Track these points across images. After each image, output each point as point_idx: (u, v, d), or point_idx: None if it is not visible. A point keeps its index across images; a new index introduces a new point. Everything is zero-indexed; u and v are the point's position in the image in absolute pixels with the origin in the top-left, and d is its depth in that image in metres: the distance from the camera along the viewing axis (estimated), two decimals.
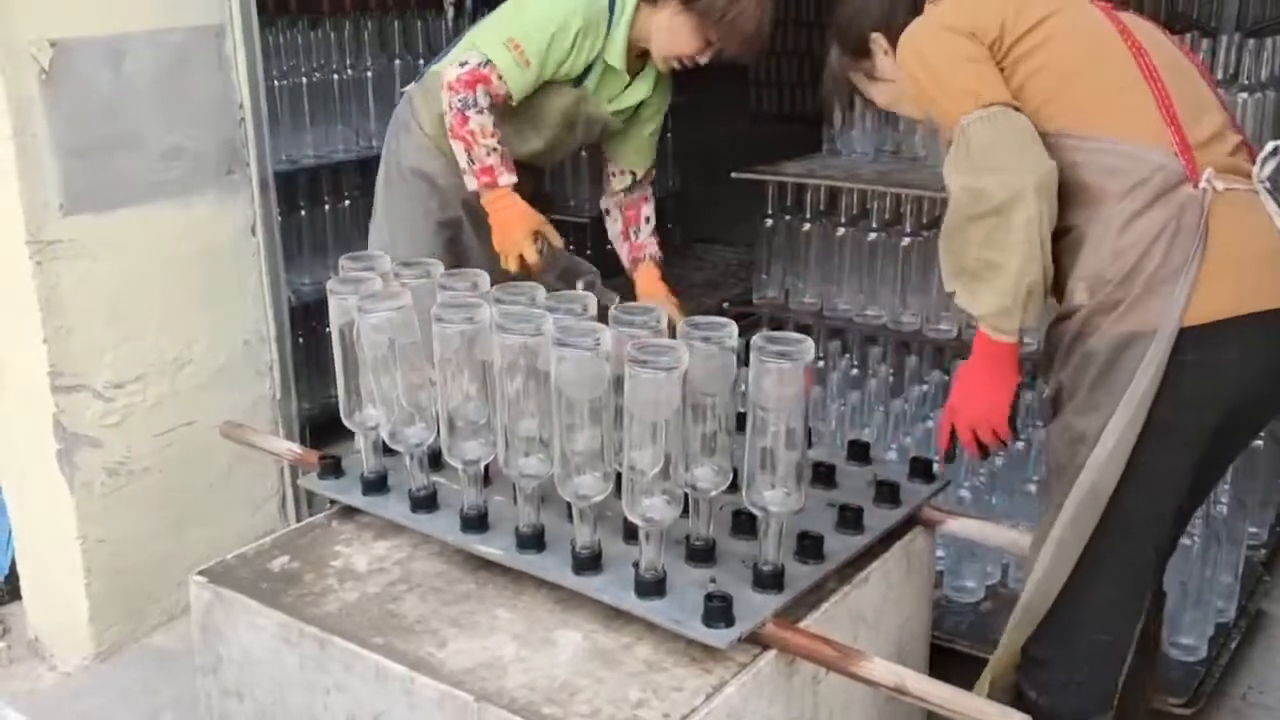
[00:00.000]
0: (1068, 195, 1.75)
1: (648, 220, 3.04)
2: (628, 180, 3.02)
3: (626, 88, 2.81)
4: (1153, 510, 1.77)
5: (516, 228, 2.64)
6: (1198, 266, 1.66)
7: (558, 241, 2.69)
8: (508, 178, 2.66)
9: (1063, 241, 1.77)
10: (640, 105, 2.88)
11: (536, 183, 3.01)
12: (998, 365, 1.84)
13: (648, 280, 2.99)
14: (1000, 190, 1.71)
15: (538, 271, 2.59)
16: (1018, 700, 1.83)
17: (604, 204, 3.08)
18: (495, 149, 2.63)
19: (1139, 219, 1.70)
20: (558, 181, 4.71)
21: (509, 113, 2.72)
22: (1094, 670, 1.83)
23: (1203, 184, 1.69)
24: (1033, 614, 1.82)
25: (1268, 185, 1.78)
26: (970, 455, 1.96)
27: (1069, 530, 1.75)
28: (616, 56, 2.72)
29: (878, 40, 2.01)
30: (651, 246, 3.04)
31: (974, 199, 1.74)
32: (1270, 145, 1.80)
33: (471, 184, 2.69)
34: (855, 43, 2.05)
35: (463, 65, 2.65)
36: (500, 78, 2.64)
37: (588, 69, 2.74)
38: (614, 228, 3.07)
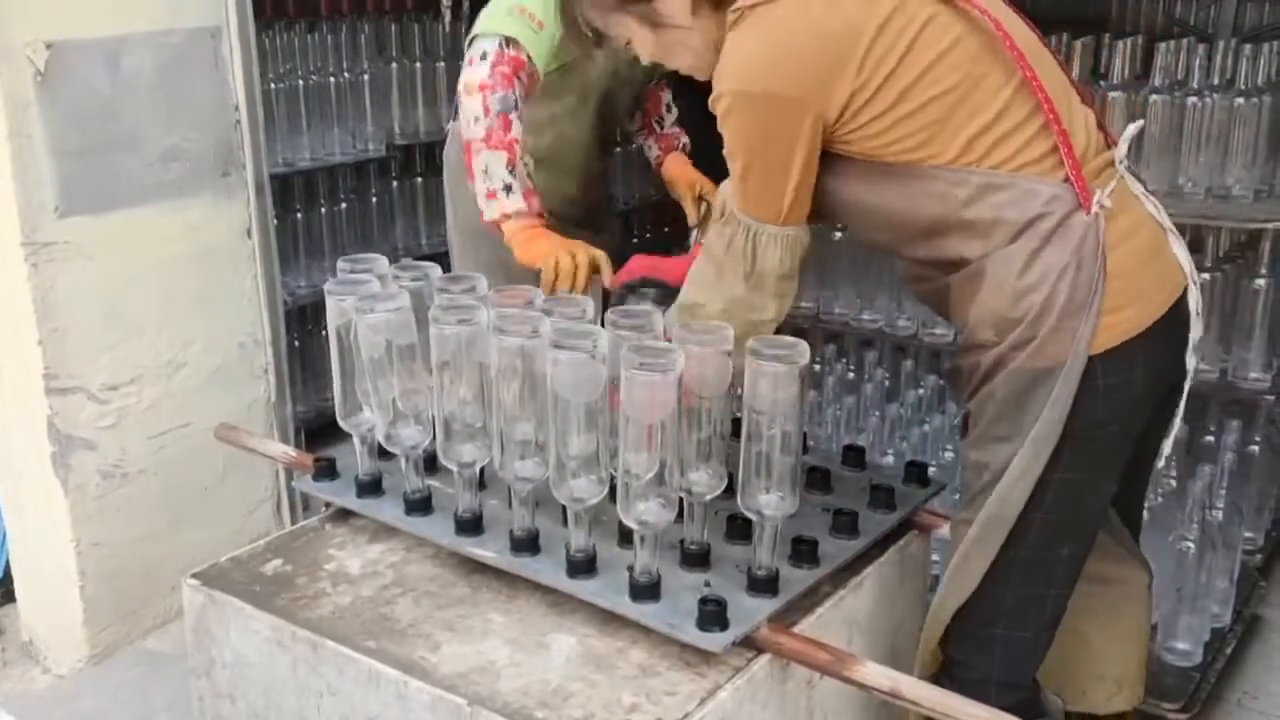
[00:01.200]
0: (955, 227, 1.69)
1: (669, 109, 2.79)
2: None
3: None
4: (1072, 522, 1.76)
5: (562, 244, 2.28)
6: (1100, 297, 1.64)
7: (605, 274, 2.31)
8: (536, 207, 2.33)
9: (957, 274, 1.72)
10: None
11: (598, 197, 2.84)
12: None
13: (680, 166, 2.74)
14: (771, 312, 1.83)
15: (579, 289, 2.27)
16: None
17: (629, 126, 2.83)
18: (532, 174, 2.34)
19: (1039, 257, 1.65)
20: None
21: (538, 109, 2.47)
22: (1007, 668, 1.83)
23: (1094, 209, 1.65)
24: (939, 619, 1.83)
25: (1127, 164, 1.76)
26: None
27: (974, 548, 1.75)
28: None
29: None
30: (682, 136, 2.80)
31: (747, 310, 1.82)
32: (1130, 127, 1.78)
33: (512, 204, 2.26)
34: None
35: (484, 58, 2.31)
36: (523, 51, 2.33)
37: None
38: (631, 123, 2.82)
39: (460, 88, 2.36)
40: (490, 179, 2.29)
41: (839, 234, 3.37)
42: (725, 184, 1.81)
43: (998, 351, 1.70)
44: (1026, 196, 1.65)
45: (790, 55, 1.65)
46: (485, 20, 2.45)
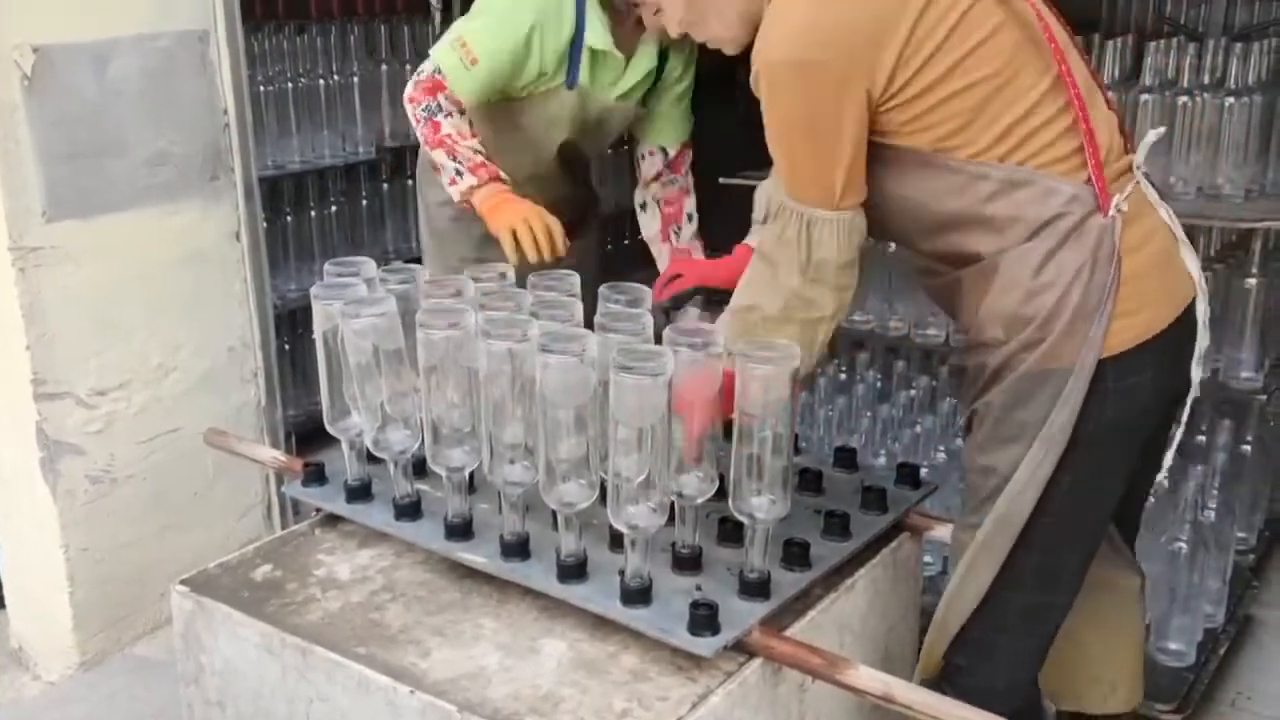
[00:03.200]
0: (973, 221, 1.68)
1: (690, 218, 2.72)
2: (658, 162, 2.71)
3: (627, 67, 2.53)
4: (1079, 526, 1.76)
5: (521, 211, 2.38)
6: (1114, 301, 1.64)
7: (558, 243, 2.39)
8: (500, 174, 2.45)
9: (969, 268, 1.72)
10: (658, 76, 2.60)
11: (584, 204, 2.86)
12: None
13: None
14: (830, 306, 1.75)
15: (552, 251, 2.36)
16: None
17: (639, 198, 2.77)
18: (479, 150, 2.45)
19: (1054, 257, 1.64)
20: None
21: (502, 137, 2.57)
22: (1013, 677, 1.83)
23: (1112, 211, 1.64)
24: (946, 624, 1.81)
25: (1144, 171, 1.76)
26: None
27: (982, 553, 1.74)
28: (599, 38, 2.44)
29: None
30: (696, 251, 2.73)
31: (805, 306, 1.75)
32: (1151, 134, 1.77)
33: (466, 182, 2.43)
34: None
35: (416, 76, 2.51)
36: (451, 88, 2.46)
37: (572, 65, 2.48)
38: (650, 226, 2.75)
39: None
40: (445, 171, 2.48)
41: None
42: (763, 184, 1.77)
43: (1006, 351, 1.69)
44: (1047, 195, 1.65)
45: (838, 22, 1.62)
46: (437, 44, 2.55)
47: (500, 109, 2.57)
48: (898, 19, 1.60)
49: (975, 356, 1.75)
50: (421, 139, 2.50)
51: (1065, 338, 1.64)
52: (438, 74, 2.47)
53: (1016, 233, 1.66)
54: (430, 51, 2.53)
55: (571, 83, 2.51)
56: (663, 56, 2.59)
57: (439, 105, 2.46)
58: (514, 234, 2.37)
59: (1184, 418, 1.83)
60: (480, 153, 2.47)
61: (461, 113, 2.49)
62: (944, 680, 1.83)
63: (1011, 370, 1.69)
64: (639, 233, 2.84)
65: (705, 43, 1.91)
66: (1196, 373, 1.77)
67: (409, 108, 2.51)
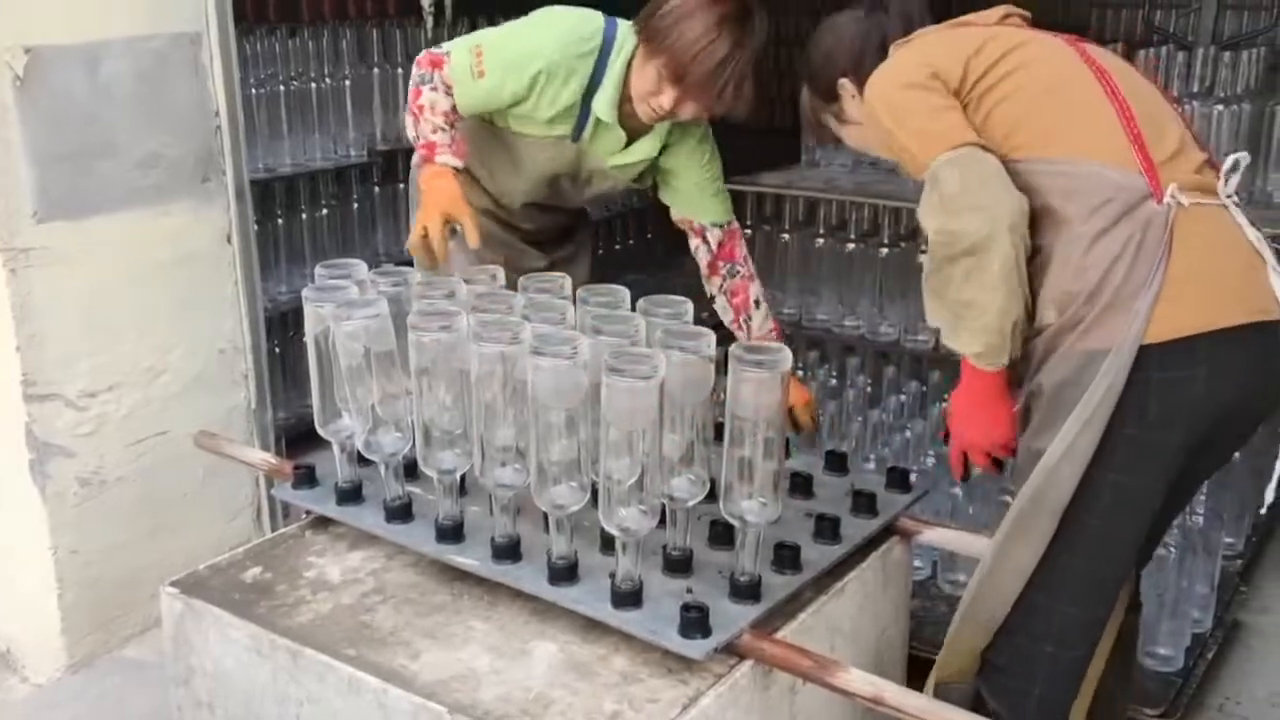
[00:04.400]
0: (1035, 218, 1.75)
1: (758, 304, 2.62)
2: (707, 253, 2.62)
3: (628, 145, 2.52)
4: (1123, 531, 1.76)
5: (438, 204, 2.33)
6: (1160, 283, 1.65)
7: (473, 240, 2.32)
8: (449, 159, 2.41)
9: (1032, 264, 1.77)
10: (667, 157, 2.56)
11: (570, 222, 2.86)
12: (988, 392, 1.86)
13: (796, 391, 2.56)
14: (973, 231, 1.72)
15: (438, 260, 2.31)
16: (978, 706, 1.83)
17: (708, 290, 2.67)
18: (445, 129, 2.42)
19: (1104, 237, 1.70)
20: None
21: (497, 156, 2.58)
22: (1051, 684, 1.83)
23: (1167, 199, 1.69)
24: (977, 614, 1.82)
25: (1235, 199, 1.78)
26: (986, 472, 1.98)
27: (1011, 533, 1.75)
28: (605, 109, 2.42)
29: (845, 85, 2.03)
30: (774, 336, 2.63)
31: (949, 241, 1.75)
32: (1230, 159, 1.80)
33: (415, 157, 2.53)
34: (825, 86, 2.08)
35: (435, 49, 2.49)
36: (450, 73, 2.43)
37: (581, 120, 2.48)
38: (725, 316, 2.66)
39: None
40: (408, 132, 2.50)
41: (821, 241, 3.39)
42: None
43: (1053, 330, 1.73)
44: (1099, 181, 1.73)
45: (918, 50, 1.91)
46: (463, 37, 2.52)
47: (505, 133, 2.56)
48: (967, 44, 1.88)
49: (1029, 344, 1.79)
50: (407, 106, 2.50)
51: (1108, 313, 1.67)
52: (446, 62, 2.45)
53: (1073, 219, 1.73)
54: (454, 40, 2.52)
55: (576, 137, 2.51)
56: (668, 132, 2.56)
57: (433, 78, 2.45)
58: (423, 232, 2.31)
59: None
60: (441, 129, 2.43)
61: (449, 92, 2.47)
62: (979, 678, 1.83)
63: (1055, 351, 1.73)
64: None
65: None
66: None
67: (413, 70, 2.50)
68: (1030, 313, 1.79)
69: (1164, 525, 2.02)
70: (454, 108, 2.46)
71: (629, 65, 2.39)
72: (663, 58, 2.26)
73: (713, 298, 2.67)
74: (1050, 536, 1.73)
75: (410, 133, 2.48)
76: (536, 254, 2.76)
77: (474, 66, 2.42)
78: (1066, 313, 1.71)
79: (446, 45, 2.50)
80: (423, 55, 2.49)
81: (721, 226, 2.60)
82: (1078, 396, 1.69)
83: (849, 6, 2.09)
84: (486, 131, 2.57)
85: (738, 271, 2.62)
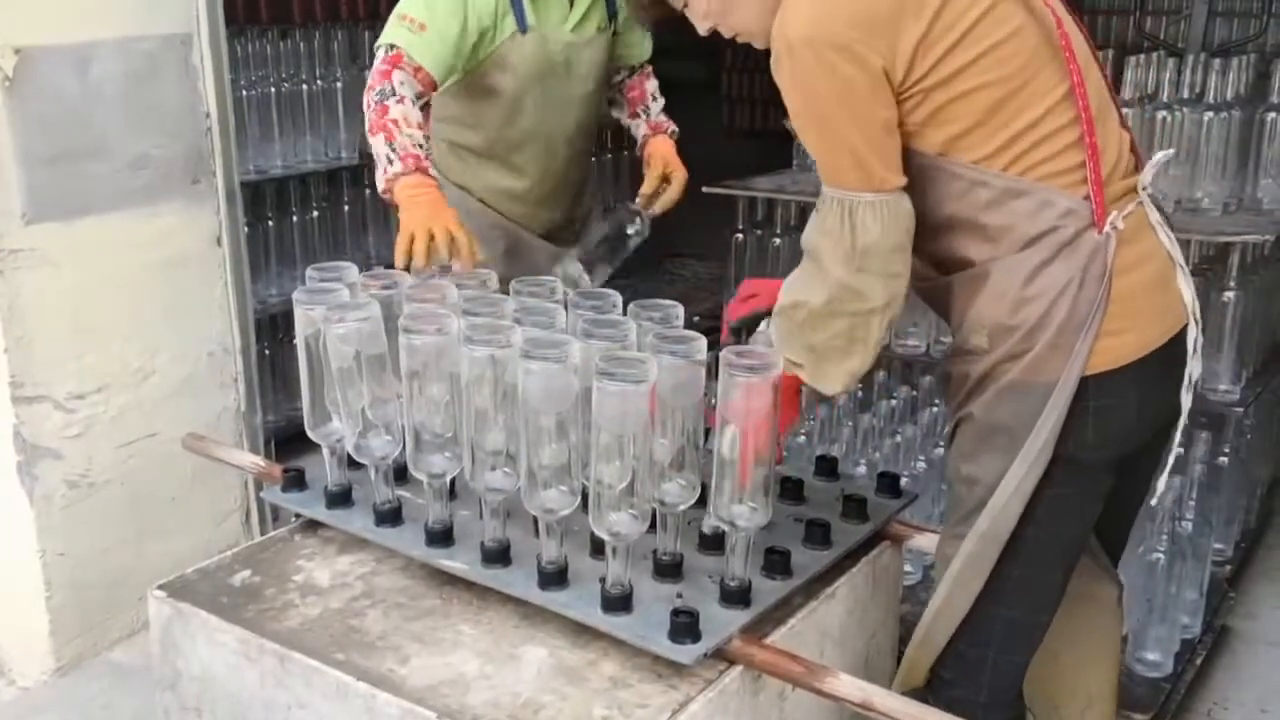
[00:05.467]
0: (967, 228, 1.69)
1: (655, 97, 2.83)
2: (622, 75, 2.82)
3: (574, 1, 2.58)
4: (1059, 539, 1.76)
5: (432, 216, 2.29)
6: (1101, 318, 1.64)
7: (468, 260, 2.27)
8: (434, 170, 2.41)
9: (960, 274, 1.72)
10: (611, 3, 2.64)
11: (572, 203, 2.86)
12: (785, 396, 1.78)
13: (664, 145, 2.75)
14: (874, 299, 1.68)
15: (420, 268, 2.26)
16: None
17: (608, 96, 2.84)
18: (423, 143, 2.39)
19: (1045, 270, 1.64)
20: None
21: (488, 114, 2.60)
22: (998, 691, 1.83)
23: (1107, 229, 1.64)
24: (932, 638, 1.81)
25: (1150, 192, 1.76)
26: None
27: (967, 566, 1.74)
28: None
29: None
30: (671, 124, 2.81)
31: (853, 298, 1.68)
32: (1159, 155, 1.77)
33: (393, 169, 2.35)
34: None
35: (375, 64, 2.46)
36: (407, 56, 2.41)
37: (515, 8, 2.50)
38: (621, 114, 2.87)
39: None
40: (379, 162, 2.39)
41: None
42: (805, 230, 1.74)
43: (990, 360, 1.69)
44: (1044, 207, 1.64)
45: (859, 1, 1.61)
46: (382, 34, 2.50)
47: (476, 87, 2.58)
48: (920, 5, 1.59)
49: (960, 364, 1.75)
50: (368, 129, 2.42)
51: (1050, 351, 1.64)
52: (390, 53, 2.43)
53: (1009, 242, 1.66)
54: (377, 43, 2.49)
55: (522, 27, 2.52)
56: None
57: (392, 89, 2.40)
58: (411, 238, 2.27)
59: (1175, 443, 1.82)
60: (421, 146, 2.40)
61: (417, 100, 2.44)
62: (929, 692, 1.83)
63: (994, 380, 1.69)
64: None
65: (734, 37, 1.85)
66: (1186, 400, 1.77)
67: (366, 98, 2.43)
68: (950, 318, 1.77)
69: (1125, 519, 2.03)
70: (423, 119, 2.43)
71: None
72: None
73: (611, 101, 2.84)
74: (997, 560, 1.73)
75: (381, 150, 2.39)
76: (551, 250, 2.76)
77: (411, 28, 2.43)
78: (1004, 345, 1.67)
79: (377, 55, 2.47)
80: (371, 78, 2.44)
81: (645, 60, 2.79)
82: (1014, 426, 1.67)
83: None
84: (471, 101, 2.60)
85: (636, 72, 2.80)
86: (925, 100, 1.64)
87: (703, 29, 1.85)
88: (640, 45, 2.79)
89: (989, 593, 1.75)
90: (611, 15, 2.68)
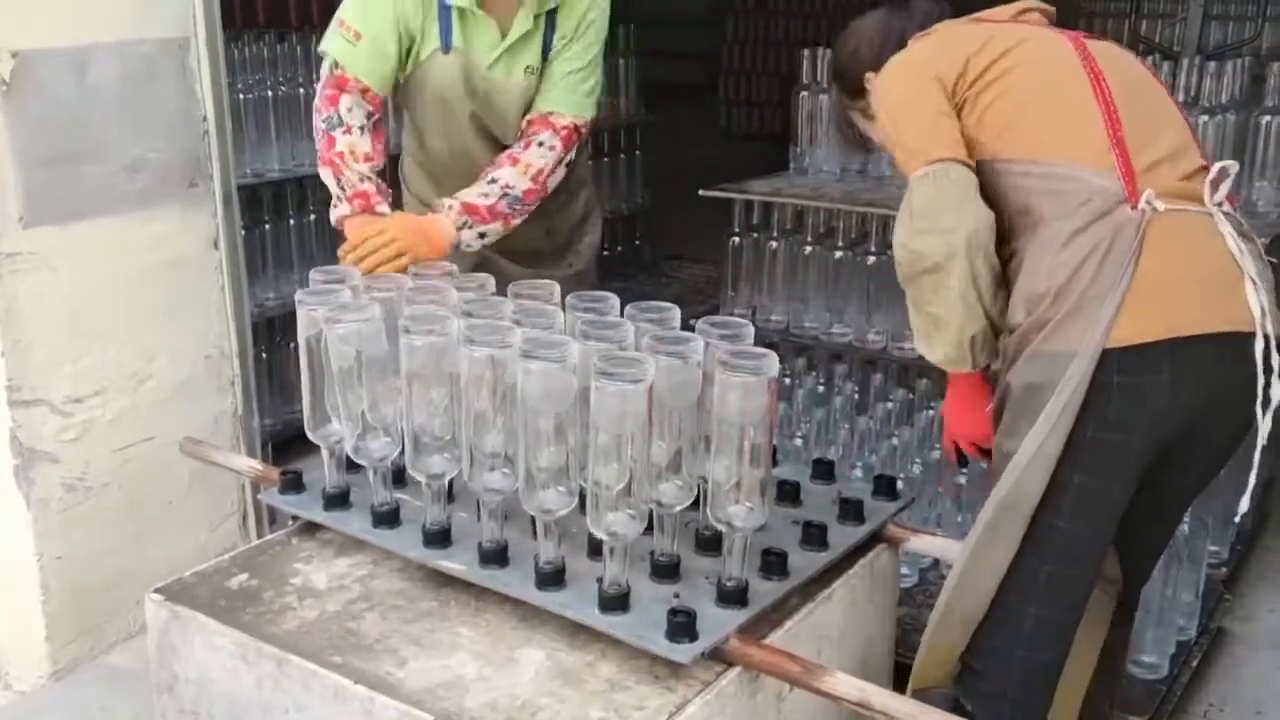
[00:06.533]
0: (1017, 218, 1.82)
1: (493, 181, 2.44)
2: (536, 125, 2.51)
3: (506, 33, 2.43)
4: (1087, 533, 1.77)
5: (382, 225, 2.28)
6: (1126, 287, 1.66)
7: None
8: (384, 207, 2.38)
9: (1009, 265, 1.83)
10: (546, 45, 2.48)
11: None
12: (966, 390, 2.01)
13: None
14: (934, 252, 1.81)
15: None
16: (955, 709, 1.84)
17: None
18: (370, 176, 2.37)
19: (1075, 239, 1.73)
20: None
21: (423, 117, 2.55)
22: (1026, 687, 1.84)
23: (1141, 205, 1.71)
24: (952, 617, 1.83)
25: (1224, 209, 1.78)
26: (978, 460, 2.12)
27: (985, 535, 1.77)
28: None
29: (871, 80, 2.07)
30: (468, 198, 2.42)
31: (912, 259, 1.85)
32: (1216, 167, 1.80)
33: (340, 210, 2.37)
34: (851, 83, 2.15)
35: (320, 81, 2.44)
36: (352, 75, 2.38)
37: (443, 26, 2.40)
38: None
39: None
40: (331, 190, 2.43)
41: (809, 248, 3.39)
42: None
43: (1022, 330, 1.76)
44: (1077, 183, 1.76)
45: (927, 46, 1.98)
46: (325, 36, 2.46)
47: (409, 92, 2.54)
48: (966, 43, 1.93)
49: (1004, 341, 1.83)
50: (318, 157, 2.42)
51: (1071, 317, 1.68)
52: (335, 69, 2.41)
53: (1049, 219, 1.77)
54: (320, 48, 2.46)
55: (446, 45, 2.42)
56: (550, 25, 2.47)
57: (339, 119, 2.38)
58: (352, 252, 2.25)
59: (1256, 461, 1.80)
60: (369, 179, 2.37)
61: (365, 126, 2.40)
62: (958, 682, 1.84)
63: (1025, 347, 1.75)
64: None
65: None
66: (1263, 421, 1.75)
67: (315, 121, 2.43)
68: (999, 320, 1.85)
69: (1155, 541, 2.03)
70: (373, 147, 2.40)
71: None
72: None
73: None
74: (1021, 537, 1.75)
75: (331, 185, 2.39)
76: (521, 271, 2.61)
77: (346, 36, 2.40)
78: (1034, 313, 1.74)
79: (324, 66, 2.45)
80: (318, 100, 2.42)
81: (574, 120, 2.49)
82: (1044, 398, 1.70)
83: (852, 9, 2.21)
84: (408, 107, 2.57)
85: (537, 140, 2.47)
86: (974, 104, 1.87)
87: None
88: (568, 95, 2.49)
89: (1019, 589, 1.76)
90: (545, 57, 2.49)
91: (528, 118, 2.53)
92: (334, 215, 2.42)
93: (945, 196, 1.81)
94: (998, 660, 1.82)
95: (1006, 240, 1.85)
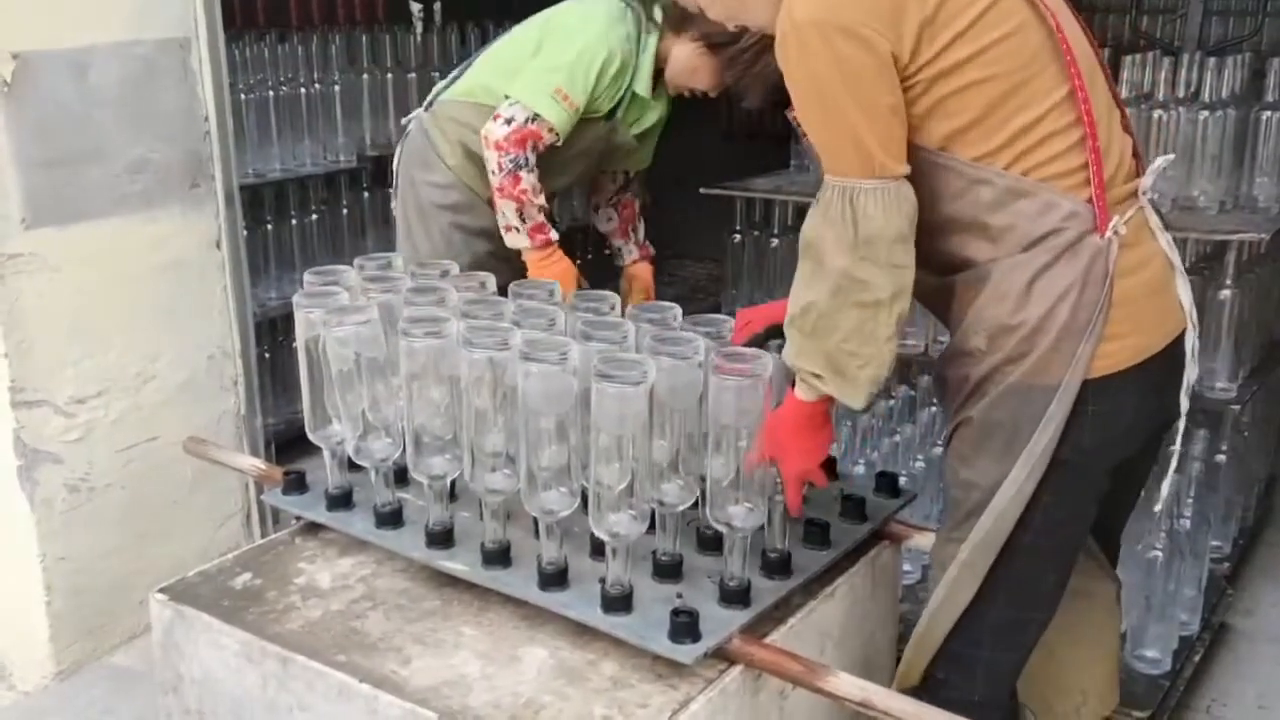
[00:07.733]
0: (969, 228, 1.67)
1: (641, 219, 3.14)
2: (621, 180, 3.09)
3: (648, 110, 2.86)
4: (1054, 545, 1.76)
5: (564, 283, 2.53)
6: (1102, 322, 1.63)
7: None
8: (554, 233, 2.74)
9: (962, 274, 1.71)
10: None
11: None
12: (816, 419, 1.78)
13: (647, 271, 3.14)
14: (879, 289, 1.63)
15: None
16: None
17: (594, 201, 3.15)
18: (544, 207, 2.69)
19: (1047, 272, 1.63)
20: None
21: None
22: (991, 690, 1.83)
23: (1109, 233, 1.63)
24: (928, 640, 1.81)
25: (1151, 197, 1.76)
26: (792, 509, 1.83)
27: (965, 571, 1.74)
28: (644, 85, 2.75)
29: None
30: (651, 248, 3.17)
31: (858, 288, 1.63)
32: (1159, 160, 1.77)
33: (521, 241, 2.72)
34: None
35: (509, 122, 2.63)
36: (552, 130, 2.65)
37: (619, 101, 2.77)
38: (608, 224, 3.13)
39: (484, 130, 2.69)
40: (505, 218, 2.72)
41: None
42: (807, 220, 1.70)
43: (990, 363, 1.67)
44: (1047, 208, 1.63)
45: None
46: (525, 89, 2.67)
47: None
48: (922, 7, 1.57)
49: (958, 367, 1.73)
50: (495, 185, 2.67)
51: (1051, 354, 1.63)
52: (534, 123, 2.63)
53: (1011, 243, 1.65)
54: (519, 96, 2.65)
55: (611, 115, 2.78)
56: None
57: (526, 160, 2.64)
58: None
59: (1175, 445, 1.83)
60: (544, 211, 2.71)
61: (535, 166, 2.68)
62: (923, 692, 1.83)
63: (995, 384, 1.67)
64: (594, 249, 3.03)
65: (754, 29, 1.85)
66: (1185, 403, 1.77)
67: (493, 154, 2.64)
68: (950, 320, 1.75)
69: (1120, 518, 2.04)
70: (541, 184, 2.68)
71: (657, 45, 2.71)
72: (698, 35, 2.61)
73: (597, 208, 3.14)
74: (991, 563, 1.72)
75: (511, 217, 2.69)
76: None
77: (565, 110, 2.66)
78: (1003, 347, 1.65)
79: (521, 108, 2.64)
80: (504, 139, 2.63)
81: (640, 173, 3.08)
82: (1014, 430, 1.66)
83: None
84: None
85: (630, 189, 3.10)
86: (927, 91, 1.61)
87: (714, 14, 1.85)
88: (644, 158, 3.03)
89: (981, 595, 1.74)
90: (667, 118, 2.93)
91: (620, 190, 3.11)
92: (511, 241, 2.74)
93: (898, 225, 1.61)
94: (962, 665, 1.80)
95: (936, 239, 1.69)
